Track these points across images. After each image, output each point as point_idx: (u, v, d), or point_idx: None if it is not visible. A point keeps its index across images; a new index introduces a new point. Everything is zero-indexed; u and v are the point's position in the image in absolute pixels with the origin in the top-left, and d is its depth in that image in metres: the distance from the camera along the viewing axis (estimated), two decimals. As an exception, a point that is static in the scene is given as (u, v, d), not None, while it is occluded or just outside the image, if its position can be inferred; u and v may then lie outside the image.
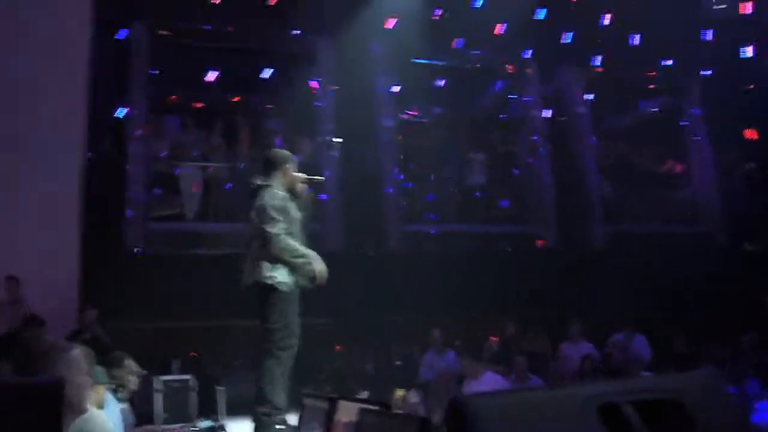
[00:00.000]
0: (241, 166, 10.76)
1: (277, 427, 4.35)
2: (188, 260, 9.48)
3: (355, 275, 9.56)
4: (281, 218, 4.44)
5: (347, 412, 2.28)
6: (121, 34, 9.83)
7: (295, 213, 4.61)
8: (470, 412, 1.69)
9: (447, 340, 8.88)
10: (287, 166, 4.71)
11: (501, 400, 1.80)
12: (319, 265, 4.46)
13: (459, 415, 1.70)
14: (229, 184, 10.67)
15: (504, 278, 9.97)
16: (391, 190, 10.82)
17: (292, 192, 4.70)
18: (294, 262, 4.42)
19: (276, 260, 4.39)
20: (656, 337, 9.35)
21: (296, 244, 4.44)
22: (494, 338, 9.22)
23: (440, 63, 11.71)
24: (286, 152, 4.93)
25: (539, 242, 11.46)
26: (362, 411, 2.07)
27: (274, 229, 4.38)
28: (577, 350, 8.91)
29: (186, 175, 10.48)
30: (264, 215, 4.44)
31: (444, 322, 9.16)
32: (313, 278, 4.49)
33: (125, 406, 4.73)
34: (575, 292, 9.68)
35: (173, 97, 11.07)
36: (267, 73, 10.67)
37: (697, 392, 1.87)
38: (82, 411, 2.18)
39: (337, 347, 9.92)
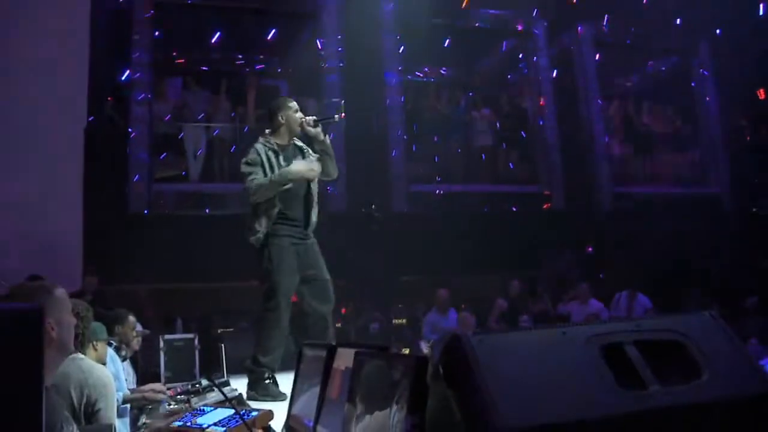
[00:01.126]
0: (245, 129, 10.68)
1: (266, 382, 4.35)
2: (193, 221, 9.48)
3: (360, 236, 9.55)
4: (253, 169, 4.32)
5: (346, 358, 2.23)
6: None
7: (290, 163, 4.41)
8: (469, 347, 1.62)
9: (453, 301, 8.87)
10: (284, 111, 4.54)
11: (502, 337, 1.74)
12: (297, 166, 4.36)
13: (457, 350, 1.63)
14: (234, 146, 10.59)
15: (510, 239, 9.94)
16: (396, 151, 10.75)
17: (305, 137, 4.55)
18: (279, 188, 4.30)
19: (255, 216, 4.33)
20: (663, 299, 9.32)
21: (266, 179, 4.29)
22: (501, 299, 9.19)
23: (448, 22, 11.52)
24: (281, 98, 4.81)
25: (545, 205, 11.41)
26: (358, 354, 2.01)
27: (246, 179, 4.31)
28: (583, 309, 8.89)
29: (190, 136, 10.40)
30: (241, 173, 4.38)
31: (450, 282, 9.12)
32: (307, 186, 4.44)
33: (127, 363, 4.71)
34: (581, 253, 9.64)
35: (177, 59, 10.97)
36: (271, 33, 10.51)
37: (698, 332, 1.82)
38: (67, 350, 2.14)
39: (342, 310, 9.94)
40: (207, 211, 9.81)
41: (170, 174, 10.23)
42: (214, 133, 10.58)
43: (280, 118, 4.54)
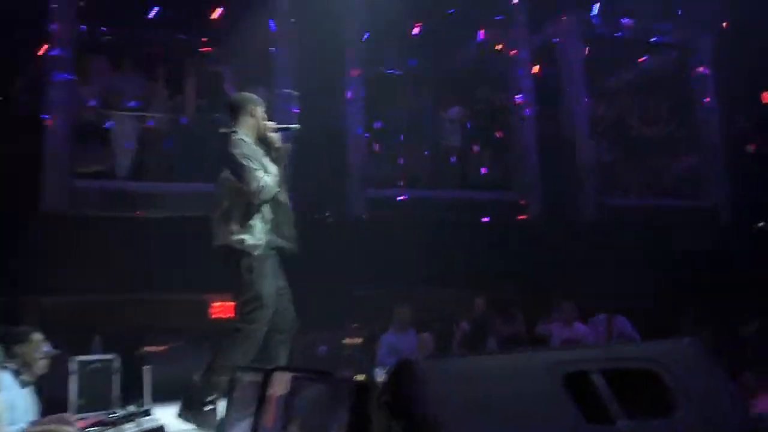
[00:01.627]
0: (184, 120, 10.60)
1: (207, 408, 4.31)
2: (120, 224, 9.39)
3: (312, 244, 9.53)
4: (257, 164, 4.41)
5: (283, 384, 2.23)
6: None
7: (271, 167, 4.54)
8: (418, 374, 1.63)
9: (415, 319, 8.90)
10: (253, 108, 4.67)
11: (456, 362, 1.76)
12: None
13: (405, 377, 1.64)
14: (170, 140, 10.49)
15: (481, 251, 10.03)
16: (354, 152, 10.81)
17: (263, 142, 4.66)
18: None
19: (247, 219, 4.42)
20: (651, 323, 9.47)
21: (274, 178, 4.44)
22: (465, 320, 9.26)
23: (417, 7, 11.59)
24: (251, 95, 4.90)
25: (521, 216, 11.53)
26: (296, 379, 2.02)
27: (255, 177, 4.36)
28: (564, 333, 9.01)
29: (119, 126, 10.28)
30: (237, 167, 4.41)
31: (411, 298, 9.16)
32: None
33: (28, 390, 4.60)
34: (561, 270, 9.76)
35: (105, 35, 10.82)
36: (218, 12, 10.45)
37: (677, 361, 1.84)
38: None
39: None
40: (137, 213, 9.71)
41: (94, 169, 10.07)
42: (148, 124, 10.48)
43: (251, 110, 4.65)
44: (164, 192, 9.93)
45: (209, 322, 9.88)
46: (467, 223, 10.92)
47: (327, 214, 10.24)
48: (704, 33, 13.15)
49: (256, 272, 4.40)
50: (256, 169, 4.36)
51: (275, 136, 4.67)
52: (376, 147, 11.39)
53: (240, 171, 4.38)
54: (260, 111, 4.68)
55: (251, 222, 4.43)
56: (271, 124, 4.70)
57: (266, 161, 4.52)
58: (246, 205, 4.44)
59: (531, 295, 9.89)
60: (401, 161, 11.52)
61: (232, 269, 4.45)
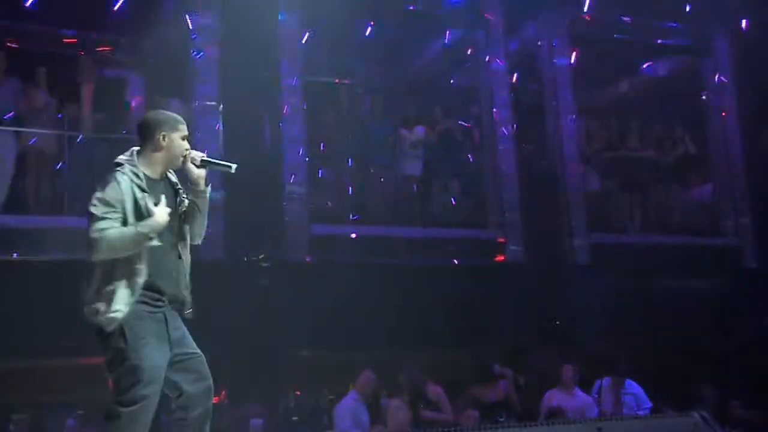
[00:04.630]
0: (78, 138, 10.67)
1: None
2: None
3: (242, 294, 9.80)
4: (110, 214, 4.28)
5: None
6: None
7: (162, 207, 4.42)
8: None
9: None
10: (167, 130, 4.57)
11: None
12: (159, 217, 4.34)
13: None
14: (61, 163, 10.55)
15: (451, 301, 10.36)
16: (294, 178, 11.01)
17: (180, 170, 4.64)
18: (136, 249, 4.31)
19: (107, 279, 4.29)
20: (660, 390, 9.88)
21: (129, 230, 4.29)
22: (434, 384, 9.64)
23: (369, 1, 11.95)
24: (168, 114, 4.76)
25: (498, 257, 11.88)
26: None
27: (94, 227, 4.23)
28: (569, 401, 9.56)
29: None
30: (87, 211, 4.31)
31: (366, 359, 9.47)
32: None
33: None
34: (547, 321, 10.07)
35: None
36: (119, 3, 10.69)
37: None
38: None
39: (214, 398, 10.14)
40: (16, 255, 9.79)
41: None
42: (30, 143, 10.46)
43: (160, 138, 4.56)
44: (51, 228, 9.96)
45: (109, 393, 9.96)
46: (434, 267, 11.26)
47: (261, 256, 10.38)
48: (720, 33, 13.73)
49: (129, 340, 4.27)
50: (101, 218, 4.24)
51: (199, 173, 4.61)
52: (321, 173, 11.66)
53: (88, 218, 4.29)
54: (177, 137, 4.58)
55: (109, 286, 4.29)
56: (197, 154, 4.62)
57: (153, 198, 4.42)
58: (99, 263, 4.31)
59: (515, 352, 10.20)
60: (351, 191, 11.78)
61: (99, 343, 4.35)
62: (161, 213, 4.35)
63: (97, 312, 4.27)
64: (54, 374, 10.02)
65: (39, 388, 9.82)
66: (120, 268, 4.30)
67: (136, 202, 4.36)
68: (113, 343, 4.27)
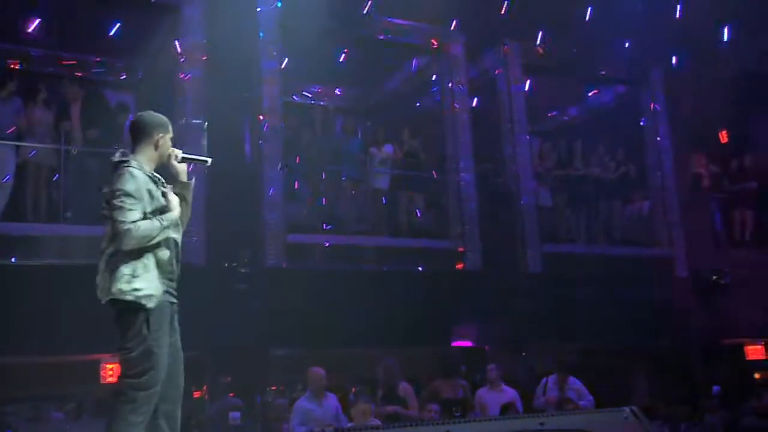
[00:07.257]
0: (74, 150, 10.57)
1: None
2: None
3: (222, 297, 9.68)
4: (136, 206, 4.26)
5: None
6: None
7: (173, 205, 4.48)
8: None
9: (334, 382, 8.99)
10: (160, 134, 4.56)
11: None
12: (175, 205, 4.47)
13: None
14: (57, 174, 10.46)
15: (414, 305, 10.32)
16: (272, 190, 10.92)
17: (167, 172, 4.61)
18: (155, 241, 4.30)
19: (139, 264, 4.25)
20: (601, 386, 9.83)
21: (156, 222, 4.30)
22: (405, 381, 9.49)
23: (344, 31, 11.91)
24: (160, 116, 4.69)
25: (458, 265, 11.87)
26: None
27: (126, 218, 4.21)
28: (497, 397, 9.35)
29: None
30: (113, 205, 4.25)
31: (332, 358, 9.34)
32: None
33: None
34: (503, 326, 10.05)
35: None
36: (114, 28, 10.57)
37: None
38: None
39: (195, 393, 9.97)
40: (13, 260, 9.63)
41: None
42: (29, 156, 10.37)
43: (158, 138, 4.56)
44: (47, 235, 9.84)
45: (101, 387, 9.83)
46: (400, 274, 11.22)
47: (239, 263, 10.34)
48: (655, 67, 13.88)
49: (153, 328, 4.23)
50: (129, 210, 4.24)
51: (181, 168, 4.64)
52: (297, 186, 11.58)
53: (114, 209, 4.25)
54: (168, 138, 4.60)
55: (145, 266, 4.29)
56: (177, 152, 4.62)
57: (159, 193, 4.45)
58: (126, 250, 4.26)
59: (473, 354, 10.15)
60: (324, 202, 11.73)
61: (118, 324, 4.26)
62: (176, 204, 4.49)
63: (136, 291, 4.23)
64: (47, 370, 9.84)
65: (33, 383, 9.57)
66: (149, 252, 4.33)
67: (149, 193, 4.40)
68: (137, 327, 4.23)
